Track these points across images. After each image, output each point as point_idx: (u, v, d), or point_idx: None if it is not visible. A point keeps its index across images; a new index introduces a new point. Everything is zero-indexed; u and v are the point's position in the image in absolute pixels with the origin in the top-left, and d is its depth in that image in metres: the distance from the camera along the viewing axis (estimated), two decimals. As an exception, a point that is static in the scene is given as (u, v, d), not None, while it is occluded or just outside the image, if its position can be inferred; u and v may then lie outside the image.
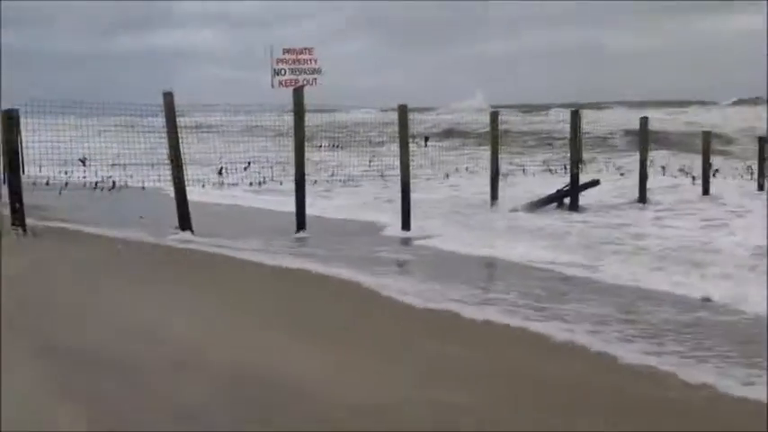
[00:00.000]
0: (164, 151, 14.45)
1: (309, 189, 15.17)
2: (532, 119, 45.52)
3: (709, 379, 5.98)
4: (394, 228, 15.02)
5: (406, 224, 15.08)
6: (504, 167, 18.79)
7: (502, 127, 19.26)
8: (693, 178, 22.66)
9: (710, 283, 9.35)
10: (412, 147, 16.38)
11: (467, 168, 23.86)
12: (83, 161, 20.13)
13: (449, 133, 41.65)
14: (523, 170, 22.52)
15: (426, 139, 28.22)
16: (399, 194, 15.52)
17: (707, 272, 10.05)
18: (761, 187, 22.07)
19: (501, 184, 17.94)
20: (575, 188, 18.39)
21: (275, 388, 5.55)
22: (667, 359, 6.55)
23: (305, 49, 15.52)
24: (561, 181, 19.22)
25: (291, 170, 15.01)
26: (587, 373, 6.25)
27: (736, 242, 12.79)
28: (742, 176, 24.46)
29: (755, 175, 22.85)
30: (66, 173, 19.61)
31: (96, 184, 17.79)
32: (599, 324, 7.73)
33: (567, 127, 19.61)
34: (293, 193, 14.69)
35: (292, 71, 15.25)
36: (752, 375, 6.11)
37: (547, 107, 55.67)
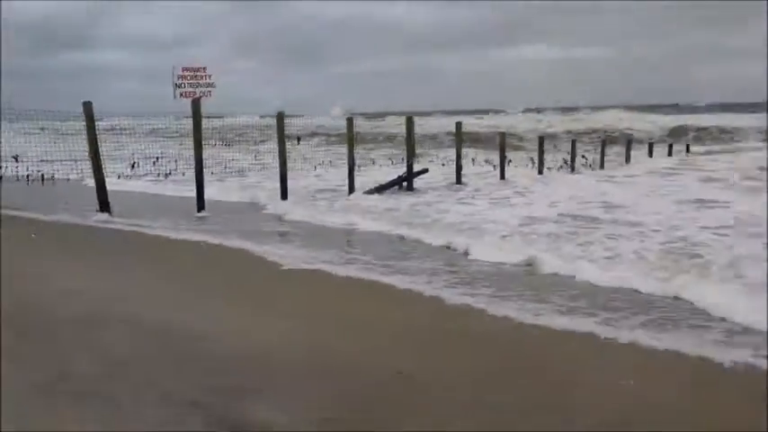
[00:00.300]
0: (85, 149, 13.57)
1: (206, 178, 14.62)
2: (374, 123, 46.02)
3: (510, 313, 6.21)
4: (274, 207, 14.75)
5: (284, 204, 14.86)
6: (358, 161, 18.80)
7: (356, 130, 19.24)
8: (495, 167, 23.42)
9: (489, 246, 9.56)
10: (287, 145, 16.15)
11: (330, 162, 23.73)
12: (15, 158, 18.65)
13: (315, 134, 41.28)
14: (373, 162, 22.68)
15: (299, 138, 27.89)
16: (279, 182, 15.33)
17: (487, 238, 10.35)
18: (540, 172, 23.23)
19: (356, 173, 17.94)
20: (410, 175, 18.67)
21: (180, 336, 5.32)
22: (480, 299, 6.75)
23: (201, 67, 14.95)
24: (401, 170, 19.46)
25: (192, 163, 14.43)
26: (423, 313, 6.36)
27: (513, 214, 13.21)
28: (527, 165, 25.67)
29: (537, 164, 24.02)
30: (1, 168, 18.04)
31: (28, 177, 16.51)
32: (432, 275, 7.88)
33: (404, 129, 19.85)
34: (194, 182, 14.14)
35: (191, 85, 14.66)
36: (540, 309, 6.40)
37: (383, 115, 56.20)
